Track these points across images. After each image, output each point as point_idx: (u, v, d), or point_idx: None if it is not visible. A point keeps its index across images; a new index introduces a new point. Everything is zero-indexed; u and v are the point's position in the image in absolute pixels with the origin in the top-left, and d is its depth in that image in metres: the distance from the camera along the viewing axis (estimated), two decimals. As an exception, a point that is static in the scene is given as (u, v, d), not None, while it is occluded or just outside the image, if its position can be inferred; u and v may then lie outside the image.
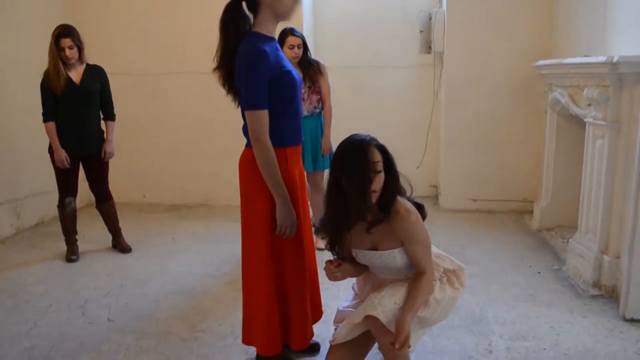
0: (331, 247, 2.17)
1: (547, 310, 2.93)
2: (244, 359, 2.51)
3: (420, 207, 2.17)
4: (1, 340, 2.74)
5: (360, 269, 2.26)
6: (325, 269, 2.16)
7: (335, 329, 2.19)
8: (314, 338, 2.54)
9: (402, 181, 2.12)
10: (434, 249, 2.26)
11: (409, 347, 1.98)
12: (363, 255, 2.15)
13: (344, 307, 2.31)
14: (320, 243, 3.99)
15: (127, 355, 2.58)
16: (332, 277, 2.15)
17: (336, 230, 2.11)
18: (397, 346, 1.86)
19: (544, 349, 2.53)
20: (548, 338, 2.63)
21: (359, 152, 1.97)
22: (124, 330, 2.83)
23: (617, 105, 2.98)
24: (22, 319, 2.98)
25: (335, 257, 2.19)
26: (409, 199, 2.15)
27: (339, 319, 2.26)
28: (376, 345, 2.17)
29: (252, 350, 2.44)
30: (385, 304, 1.98)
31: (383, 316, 1.94)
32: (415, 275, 2.11)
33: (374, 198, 1.99)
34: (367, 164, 1.95)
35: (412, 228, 2.04)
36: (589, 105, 3.20)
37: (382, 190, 2.00)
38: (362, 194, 1.95)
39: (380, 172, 1.97)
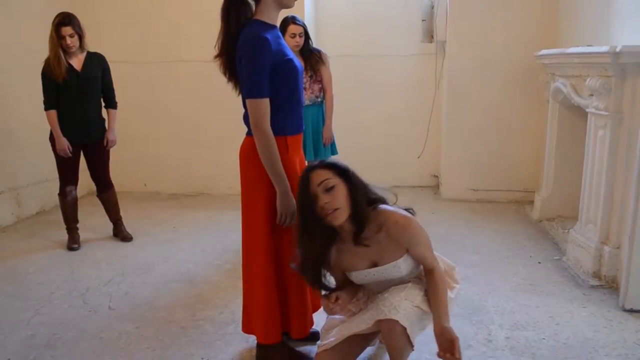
0: (315, 284, 2.10)
1: (546, 300, 2.94)
2: (244, 347, 2.52)
3: (410, 212, 2.15)
4: (3, 328, 2.75)
5: (354, 292, 2.21)
6: (322, 305, 2.11)
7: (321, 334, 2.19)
8: (314, 327, 2.55)
9: (385, 191, 2.11)
10: None
11: (413, 348, 2.00)
12: (364, 276, 2.09)
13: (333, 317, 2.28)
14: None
15: (128, 342, 2.59)
16: (331, 312, 2.10)
17: (315, 267, 2.06)
18: (458, 356, 1.86)
19: (544, 338, 2.54)
20: (547, 328, 2.64)
21: (301, 181, 1.98)
22: (125, 318, 2.84)
23: (619, 95, 2.96)
24: (24, 306, 2.99)
25: (324, 292, 2.12)
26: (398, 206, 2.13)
27: (328, 326, 2.22)
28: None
29: (253, 339, 2.45)
30: (405, 307, 1.95)
31: (405, 320, 1.92)
32: (423, 277, 2.11)
33: (337, 216, 1.93)
34: (309, 188, 1.94)
35: (415, 232, 2.03)
36: (591, 95, 3.19)
37: (350, 203, 1.95)
38: (317, 216, 1.94)
39: (331, 188, 1.92)
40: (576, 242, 3.32)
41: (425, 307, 2.03)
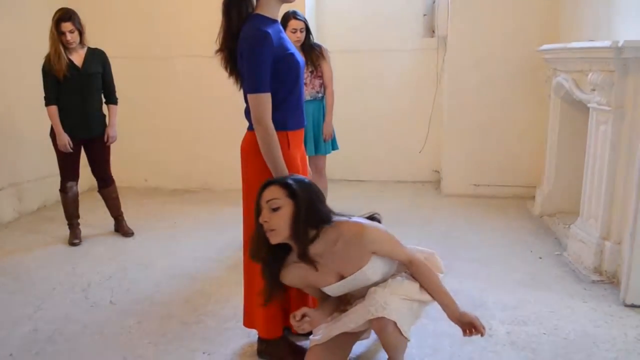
0: (268, 297, 2.10)
1: (547, 295, 2.94)
2: (245, 342, 2.52)
3: (371, 218, 2.16)
4: (5, 323, 2.76)
5: (331, 308, 2.21)
6: (292, 324, 2.12)
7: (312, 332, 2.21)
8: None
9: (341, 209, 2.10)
10: None
11: (408, 340, 2.02)
12: (336, 288, 2.09)
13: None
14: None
15: (129, 337, 2.60)
16: (301, 330, 2.09)
17: (271, 278, 2.08)
18: (482, 331, 1.98)
19: (544, 333, 2.54)
20: (548, 323, 2.64)
21: (259, 189, 1.99)
22: (127, 313, 2.85)
23: (621, 90, 2.96)
24: (26, 302, 3.00)
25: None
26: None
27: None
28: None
29: (254, 333, 2.45)
30: (393, 302, 1.96)
31: (394, 315, 1.93)
32: (404, 272, 2.12)
33: (272, 236, 1.94)
34: (260, 200, 1.96)
35: (372, 235, 2.00)
36: (593, 90, 3.18)
37: (290, 227, 1.93)
38: (259, 232, 1.97)
39: (276, 209, 1.92)
40: (577, 237, 3.32)
41: (413, 295, 2.04)
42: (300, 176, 2.07)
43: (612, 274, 3.06)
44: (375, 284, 2.08)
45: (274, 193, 1.94)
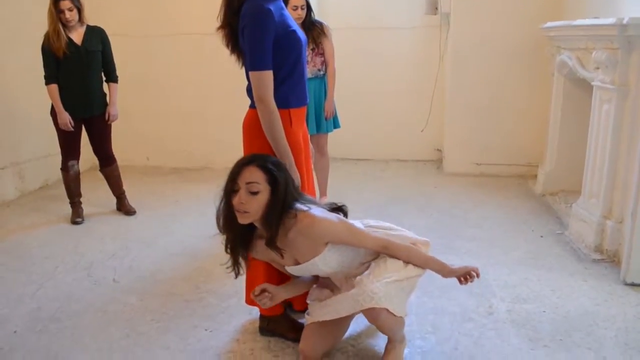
0: (233, 266, 2.11)
1: (548, 273, 2.95)
2: (247, 319, 2.54)
3: (338, 209, 2.15)
4: (9, 301, 2.78)
5: (303, 285, 2.24)
6: (252, 299, 2.14)
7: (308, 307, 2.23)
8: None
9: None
10: (385, 224, 2.24)
11: (405, 315, 2.05)
12: (296, 271, 2.12)
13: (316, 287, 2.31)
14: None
15: (132, 315, 2.62)
16: (263, 305, 2.11)
17: (234, 252, 2.08)
18: (477, 275, 2.06)
19: (544, 311, 2.55)
20: (548, 301, 2.65)
21: (235, 166, 1.96)
22: (129, 291, 2.87)
23: (625, 68, 2.93)
24: (29, 280, 3.02)
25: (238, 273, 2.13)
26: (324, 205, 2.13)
27: (314, 296, 2.26)
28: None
29: (256, 311, 2.47)
30: (379, 288, 1.95)
31: (384, 301, 1.93)
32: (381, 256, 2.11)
33: (244, 217, 1.92)
34: (237, 178, 1.93)
35: (323, 227, 1.98)
36: (597, 68, 3.15)
37: (263, 212, 1.92)
38: (228, 204, 1.96)
39: (255, 193, 1.90)
40: (579, 216, 3.32)
41: (399, 274, 2.03)
42: (276, 159, 2.03)
43: (613, 253, 3.06)
44: (350, 263, 2.09)
45: (254, 176, 1.91)
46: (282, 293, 2.17)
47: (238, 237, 2.06)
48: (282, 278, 2.30)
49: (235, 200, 1.92)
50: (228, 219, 2.00)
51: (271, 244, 1.97)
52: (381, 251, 2.09)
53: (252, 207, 1.90)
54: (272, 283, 2.22)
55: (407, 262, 2.08)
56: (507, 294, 2.73)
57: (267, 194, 1.92)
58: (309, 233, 1.97)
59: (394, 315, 1.97)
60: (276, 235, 1.95)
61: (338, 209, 2.16)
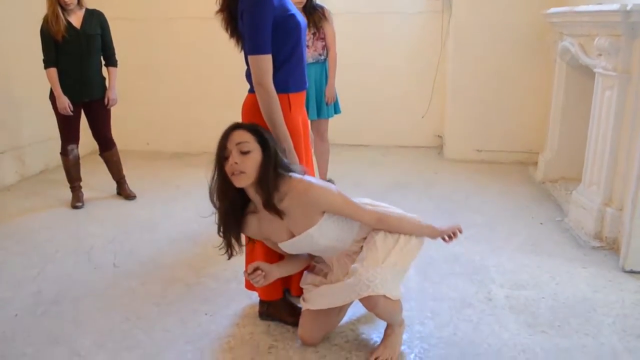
0: (227, 248, 2.10)
1: (547, 260, 2.96)
2: (247, 303, 2.56)
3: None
4: (10, 284, 2.80)
5: (298, 264, 2.23)
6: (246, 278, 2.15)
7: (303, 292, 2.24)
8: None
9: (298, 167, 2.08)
10: (380, 204, 2.23)
11: (401, 296, 2.06)
12: (290, 247, 2.09)
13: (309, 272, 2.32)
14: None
15: (132, 299, 2.63)
16: (256, 284, 2.09)
17: (227, 226, 2.06)
18: (460, 231, 2.16)
19: (543, 297, 2.56)
20: (547, 287, 2.66)
21: (223, 135, 1.96)
22: (130, 275, 2.88)
23: (628, 55, 2.91)
24: (30, 264, 3.03)
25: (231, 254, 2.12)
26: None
27: (309, 280, 2.26)
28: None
29: (255, 296, 2.48)
30: (374, 275, 1.95)
31: (380, 288, 1.94)
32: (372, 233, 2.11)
33: (241, 179, 1.91)
34: (226, 143, 1.93)
35: (319, 193, 1.96)
36: (600, 55, 3.13)
37: (258, 172, 1.92)
38: (222, 175, 1.96)
39: (246, 152, 1.90)
40: (579, 203, 3.32)
41: (392, 255, 2.02)
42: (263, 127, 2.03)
43: (612, 240, 3.07)
44: (343, 244, 2.09)
45: (243, 136, 1.92)
46: (276, 271, 2.14)
47: (231, 213, 2.04)
48: (281, 254, 2.30)
49: (229, 163, 1.91)
50: (223, 189, 1.99)
51: (269, 205, 1.95)
52: (375, 224, 2.08)
53: (246, 166, 1.90)
54: (273, 260, 2.23)
55: (400, 232, 2.09)
56: (506, 280, 2.74)
57: (259, 152, 1.92)
58: (304, 200, 1.94)
59: (391, 300, 1.98)
60: (272, 196, 1.93)
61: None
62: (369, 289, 1.93)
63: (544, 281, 2.73)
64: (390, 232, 2.10)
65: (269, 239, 2.14)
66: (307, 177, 2.00)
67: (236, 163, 1.89)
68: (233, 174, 1.91)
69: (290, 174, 1.98)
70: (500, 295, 2.60)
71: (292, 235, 2.05)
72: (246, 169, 1.90)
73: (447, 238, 2.15)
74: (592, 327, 2.32)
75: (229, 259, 2.13)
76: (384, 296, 1.95)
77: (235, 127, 1.97)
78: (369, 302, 1.98)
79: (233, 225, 2.07)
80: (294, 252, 2.17)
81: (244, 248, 2.18)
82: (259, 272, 2.07)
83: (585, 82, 3.78)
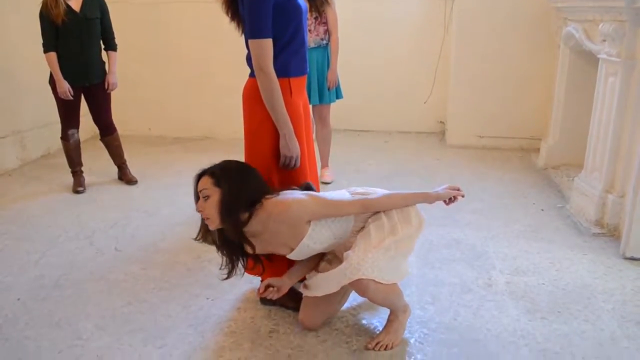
0: (230, 273, 2.16)
1: (548, 246, 2.96)
2: (248, 287, 2.57)
3: (306, 188, 2.16)
4: (12, 269, 2.81)
5: (307, 264, 2.25)
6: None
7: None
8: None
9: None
10: (372, 189, 2.21)
11: (402, 278, 2.09)
12: (296, 256, 2.12)
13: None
14: (326, 176, 4.01)
15: (134, 283, 2.65)
16: (271, 297, 2.17)
17: (230, 254, 2.13)
18: (463, 195, 2.16)
19: (543, 284, 2.57)
20: (547, 274, 2.67)
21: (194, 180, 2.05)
22: (131, 260, 2.89)
23: (632, 41, 2.88)
24: (32, 248, 3.04)
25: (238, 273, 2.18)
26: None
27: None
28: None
29: (257, 280, 2.49)
30: (365, 259, 1.96)
31: (370, 272, 1.95)
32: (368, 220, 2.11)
33: (209, 223, 2.00)
34: (196, 189, 2.03)
35: (295, 208, 1.98)
36: (604, 41, 3.10)
37: (220, 210, 1.96)
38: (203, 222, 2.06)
39: (206, 197, 1.97)
40: (580, 190, 3.32)
41: (385, 242, 2.01)
42: (232, 162, 2.06)
43: (613, 227, 3.07)
44: (333, 245, 2.11)
45: (203, 183, 2.00)
46: (287, 282, 2.20)
47: (220, 245, 2.11)
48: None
49: (196, 209, 2.02)
50: (203, 231, 2.11)
51: (239, 238, 2.02)
52: (364, 211, 2.08)
53: (209, 211, 1.97)
54: (273, 255, 2.23)
55: (394, 207, 2.09)
56: (507, 266, 2.74)
57: (217, 195, 1.97)
58: (286, 218, 1.99)
59: (383, 285, 1.98)
60: (239, 229, 1.99)
61: (306, 188, 2.16)
62: (359, 273, 1.94)
63: (544, 267, 2.73)
64: (385, 211, 2.09)
65: (277, 252, 2.16)
66: (281, 196, 2.02)
67: (200, 211, 2.00)
68: (205, 219, 2.02)
69: (265, 198, 2.01)
70: (501, 281, 2.61)
71: (291, 249, 2.08)
72: (209, 213, 1.98)
73: (447, 201, 2.14)
74: (591, 313, 2.33)
75: (227, 278, 2.16)
76: (374, 280, 1.96)
77: (200, 175, 2.03)
78: (359, 286, 1.98)
79: (237, 251, 2.13)
80: (302, 259, 2.18)
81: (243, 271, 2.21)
82: (271, 288, 2.16)
83: (589, 69, 3.76)
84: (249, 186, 2.02)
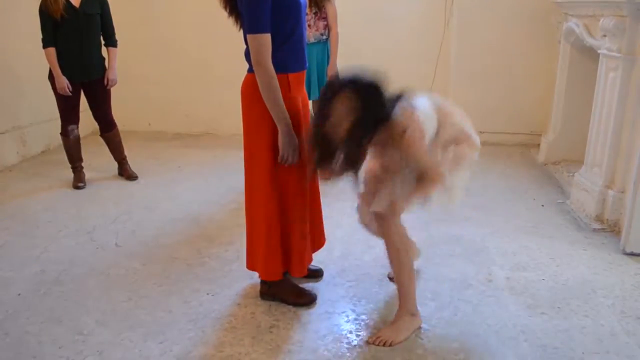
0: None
1: (548, 242, 2.97)
2: (248, 283, 2.57)
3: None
4: (13, 264, 2.81)
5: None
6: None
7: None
8: (317, 265, 2.60)
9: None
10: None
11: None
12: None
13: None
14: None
15: (134, 279, 2.65)
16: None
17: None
18: None
19: (543, 279, 2.57)
20: (547, 269, 2.67)
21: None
22: (132, 255, 2.89)
23: (633, 36, 2.88)
24: (33, 244, 3.04)
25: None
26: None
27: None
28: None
29: (257, 275, 2.49)
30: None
31: (377, 206, 2.05)
32: None
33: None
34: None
35: (416, 152, 2.08)
36: (604, 36, 3.10)
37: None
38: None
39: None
40: (581, 185, 3.32)
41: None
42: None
43: (613, 222, 3.07)
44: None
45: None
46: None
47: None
48: (283, 242, 2.29)
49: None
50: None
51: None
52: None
53: None
54: (274, 241, 2.26)
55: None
56: (507, 262, 2.75)
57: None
58: (404, 151, 2.02)
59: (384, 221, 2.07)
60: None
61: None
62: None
63: (544, 263, 2.73)
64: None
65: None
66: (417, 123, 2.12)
67: None
68: None
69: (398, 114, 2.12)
70: (501, 276, 2.61)
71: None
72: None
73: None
74: (591, 308, 2.33)
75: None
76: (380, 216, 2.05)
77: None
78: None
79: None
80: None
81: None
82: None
83: (590, 64, 3.75)
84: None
